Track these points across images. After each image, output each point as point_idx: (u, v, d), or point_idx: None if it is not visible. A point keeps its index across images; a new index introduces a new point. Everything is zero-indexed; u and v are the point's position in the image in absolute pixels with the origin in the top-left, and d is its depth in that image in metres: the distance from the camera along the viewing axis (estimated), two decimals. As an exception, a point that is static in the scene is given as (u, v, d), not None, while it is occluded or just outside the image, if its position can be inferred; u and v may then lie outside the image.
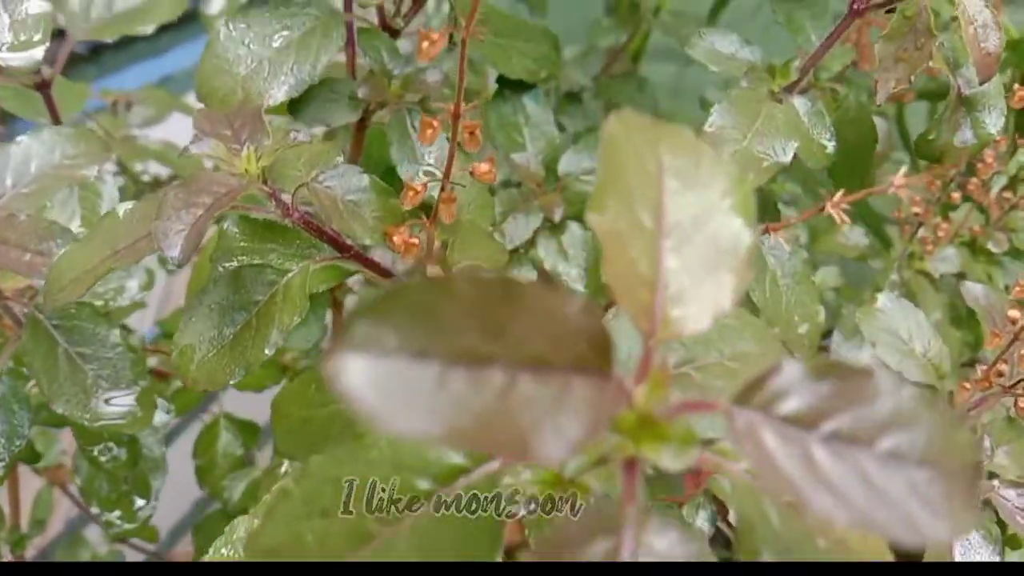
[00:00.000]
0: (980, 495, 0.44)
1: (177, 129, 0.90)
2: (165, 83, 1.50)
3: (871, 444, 0.21)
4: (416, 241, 0.39)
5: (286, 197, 0.40)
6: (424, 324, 0.19)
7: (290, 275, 0.40)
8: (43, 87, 0.57)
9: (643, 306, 0.22)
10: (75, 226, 0.54)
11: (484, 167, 0.37)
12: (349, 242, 0.41)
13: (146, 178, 0.88)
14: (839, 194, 0.35)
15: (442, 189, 0.37)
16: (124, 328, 0.68)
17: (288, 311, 0.39)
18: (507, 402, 0.19)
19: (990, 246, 0.73)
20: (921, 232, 0.72)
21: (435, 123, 0.34)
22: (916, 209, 0.68)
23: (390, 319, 0.18)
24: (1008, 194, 0.75)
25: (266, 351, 0.38)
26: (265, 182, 0.38)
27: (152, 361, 0.68)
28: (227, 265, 0.40)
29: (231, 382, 0.39)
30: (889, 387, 0.21)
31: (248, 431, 0.70)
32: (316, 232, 0.40)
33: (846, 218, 0.35)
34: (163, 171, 0.89)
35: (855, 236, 0.75)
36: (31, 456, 0.69)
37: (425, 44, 0.30)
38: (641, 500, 0.22)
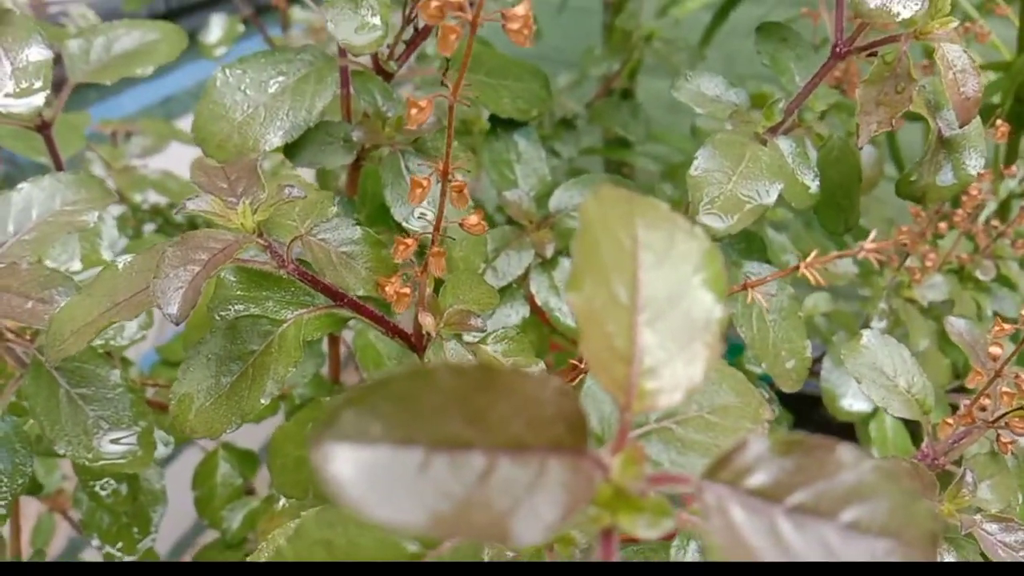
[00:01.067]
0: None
1: (176, 158, 0.91)
2: (166, 104, 1.51)
3: (834, 516, 0.22)
4: (407, 291, 0.40)
5: (281, 247, 0.41)
6: (407, 412, 0.20)
7: (285, 325, 0.41)
8: (44, 128, 0.58)
9: (619, 381, 0.23)
10: (75, 266, 0.55)
11: (473, 220, 0.38)
12: (343, 291, 0.42)
13: (146, 207, 0.89)
14: (812, 254, 0.37)
15: (432, 243, 0.38)
16: (123, 360, 0.69)
17: (283, 361, 0.40)
18: (487, 486, 0.20)
19: (978, 274, 0.75)
20: (909, 261, 0.73)
21: (424, 183, 0.35)
22: (903, 239, 0.69)
23: (375, 409, 0.19)
24: (995, 222, 0.76)
25: (262, 400, 0.39)
26: (261, 235, 0.39)
27: (149, 392, 0.69)
28: (224, 314, 0.41)
29: (228, 431, 0.40)
30: (851, 461, 0.22)
31: (246, 461, 0.71)
32: (311, 282, 0.41)
33: (820, 279, 0.36)
34: (162, 200, 0.91)
35: (844, 264, 0.77)
36: (33, 488, 0.70)
37: (414, 111, 0.31)
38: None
